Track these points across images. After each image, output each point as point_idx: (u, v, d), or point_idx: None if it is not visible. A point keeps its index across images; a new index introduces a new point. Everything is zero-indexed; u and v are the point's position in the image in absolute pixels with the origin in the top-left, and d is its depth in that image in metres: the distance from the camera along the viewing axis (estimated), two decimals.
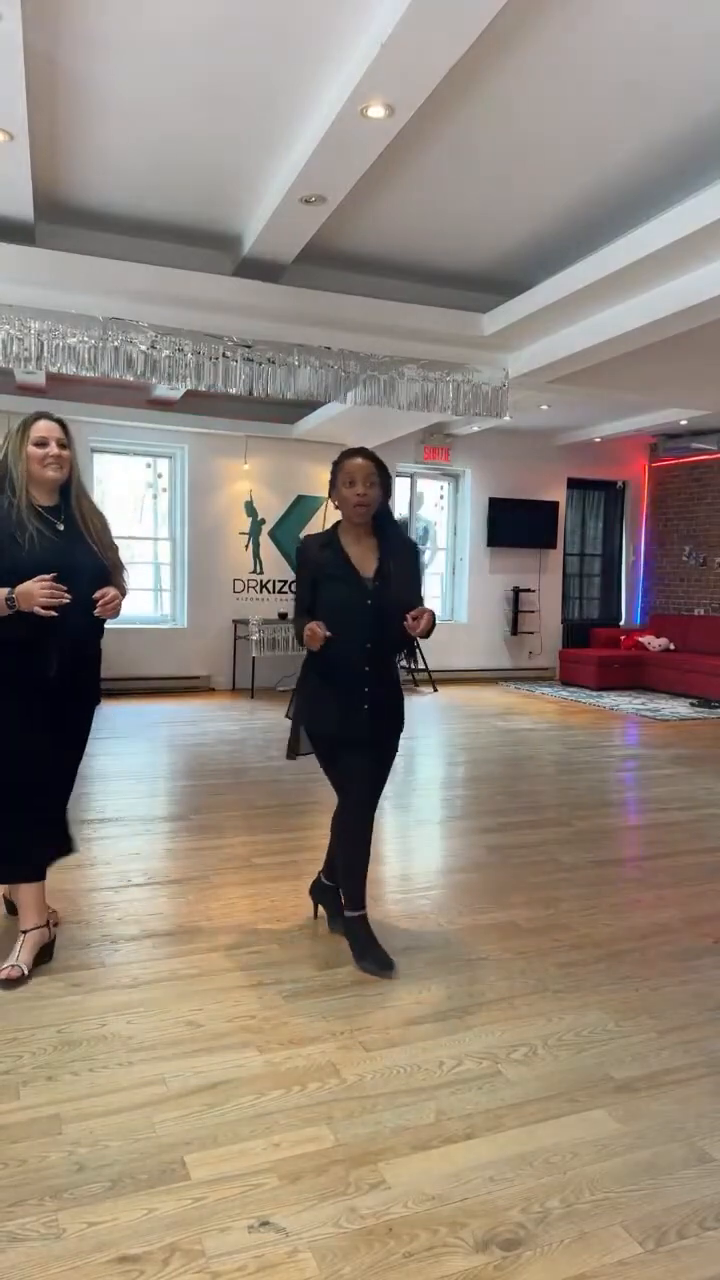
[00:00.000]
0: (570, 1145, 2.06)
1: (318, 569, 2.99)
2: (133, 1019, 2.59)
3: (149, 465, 9.77)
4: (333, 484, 3.00)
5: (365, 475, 2.92)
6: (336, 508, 3.02)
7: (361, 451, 2.98)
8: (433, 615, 2.89)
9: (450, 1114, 2.17)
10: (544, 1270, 1.69)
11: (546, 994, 2.80)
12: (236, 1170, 1.95)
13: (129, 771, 5.80)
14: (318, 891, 3.33)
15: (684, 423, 9.78)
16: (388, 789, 5.45)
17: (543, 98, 3.88)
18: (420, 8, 3.01)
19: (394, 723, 3.09)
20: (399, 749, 3.14)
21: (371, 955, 2.94)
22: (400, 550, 3.05)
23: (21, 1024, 2.55)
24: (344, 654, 2.92)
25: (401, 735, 3.12)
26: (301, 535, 3.17)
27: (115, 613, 2.85)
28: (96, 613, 2.80)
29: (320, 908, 3.32)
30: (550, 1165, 1.99)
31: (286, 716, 3.17)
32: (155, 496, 9.82)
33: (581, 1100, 2.24)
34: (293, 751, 3.15)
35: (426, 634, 2.89)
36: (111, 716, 7.96)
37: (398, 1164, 1.98)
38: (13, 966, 2.82)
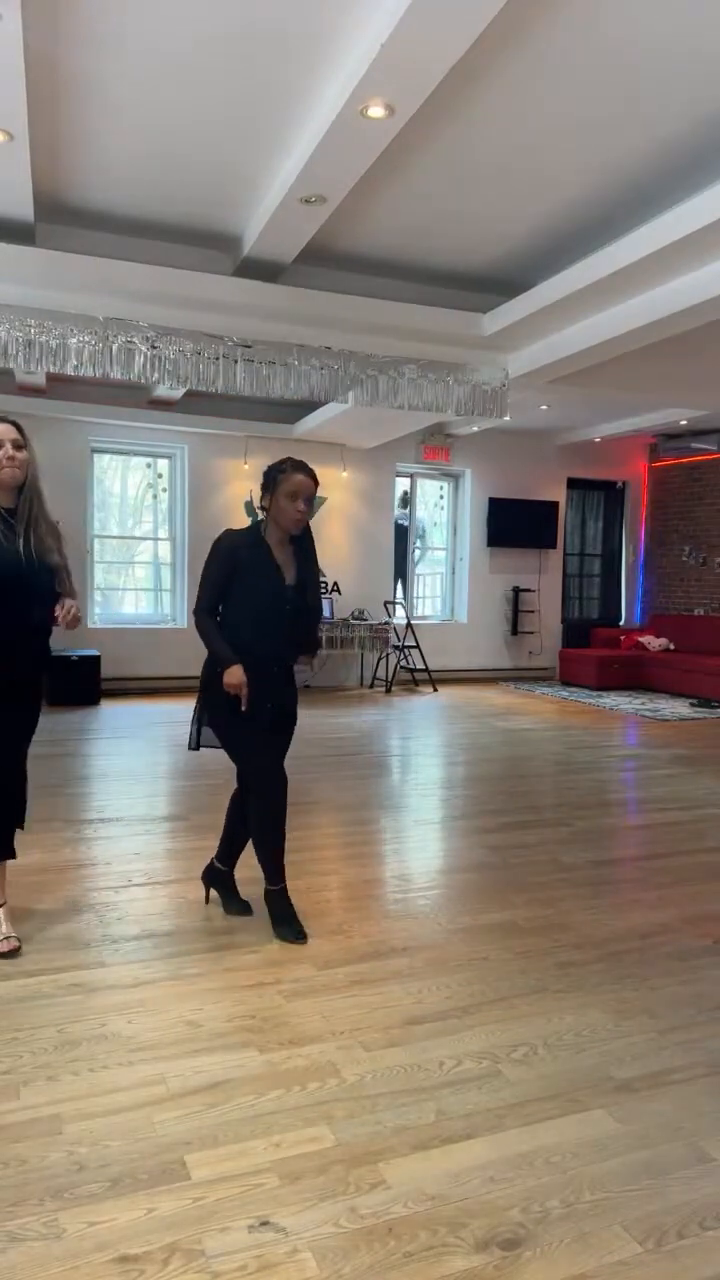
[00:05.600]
0: (570, 1145, 2.06)
1: (240, 566, 3.12)
2: (133, 1019, 2.59)
3: (149, 465, 9.77)
4: (271, 489, 3.14)
5: (309, 494, 3.14)
6: (262, 508, 3.18)
7: (306, 468, 3.17)
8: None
9: (450, 1114, 2.17)
10: (544, 1270, 1.69)
11: (546, 994, 2.80)
12: (236, 1170, 1.95)
13: (129, 771, 5.81)
14: (210, 876, 3.45)
15: (684, 423, 9.78)
16: (388, 789, 5.44)
17: (543, 97, 3.88)
18: (420, 8, 3.00)
19: (292, 718, 3.32)
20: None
21: (290, 925, 3.16)
22: (313, 559, 3.27)
23: (21, 1024, 2.55)
24: (261, 654, 3.12)
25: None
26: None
27: (77, 624, 2.94)
28: (61, 623, 2.89)
29: (211, 891, 3.45)
30: (550, 1165, 1.99)
31: (195, 715, 3.30)
32: (155, 496, 9.83)
33: (581, 1100, 2.24)
34: (195, 744, 3.34)
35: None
36: (111, 716, 7.96)
37: (398, 1164, 1.98)
38: (6, 939, 2.97)
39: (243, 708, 3.05)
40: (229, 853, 3.40)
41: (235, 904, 3.38)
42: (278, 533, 3.17)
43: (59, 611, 2.91)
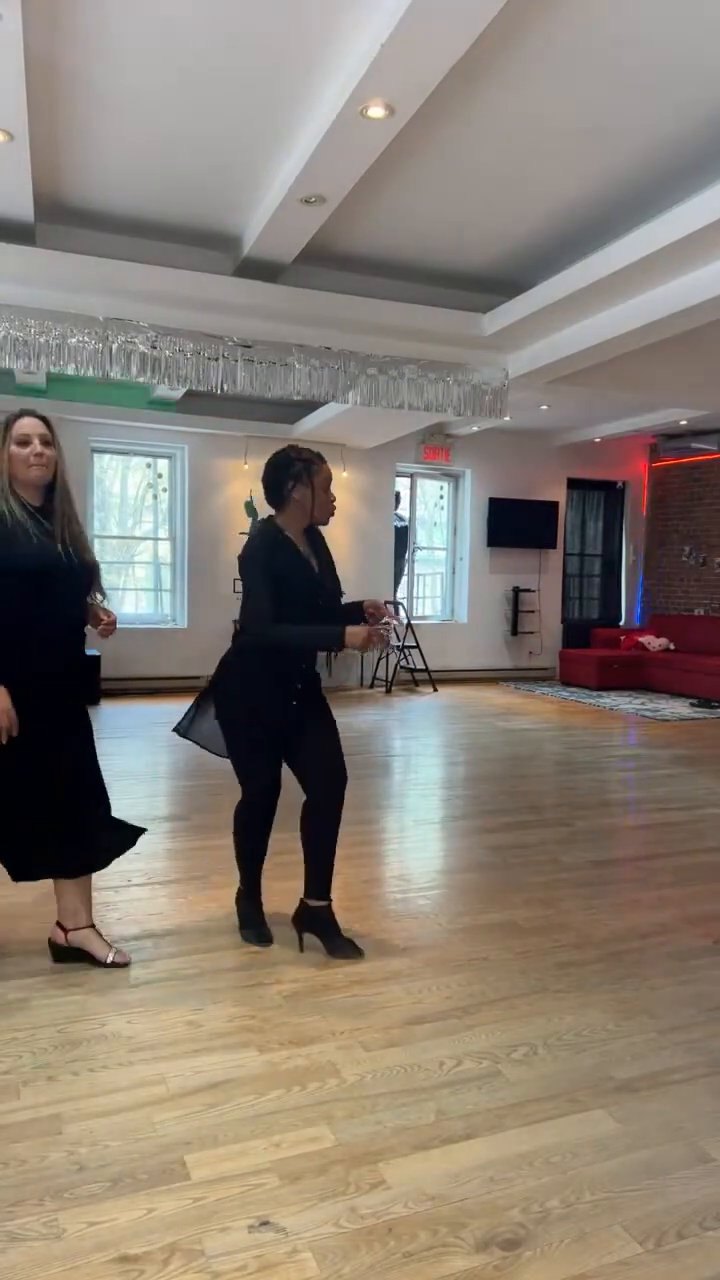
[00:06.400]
0: (570, 1145, 2.06)
1: (274, 569, 2.95)
2: (133, 1019, 2.59)
3: (149, 465, 9.78)
4: (304, 480, 3.00)
5: (333, 483, 3.08)
6: (276, 502, 3.04)
7: (325, 459, 3.11)
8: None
9: (450, 1114, 2.17)
10: (544, 1270, 1.69)
11: (546, 994, 2.80)
12: (236, 1170, 1.95)
13: (129, 771, 5.80)
14: (303, 919, 3.14)
15: (684, 423, 9.79)
16: (388, 789, 5.42)
17: (543, 97, 3.88)
18: (420, 7, 3.00)
19: (323, 706, 3.17)
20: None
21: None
22: (324, 545, 3.17)
23: (21, 1024, 2.55)
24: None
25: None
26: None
27: (110, 633, 2.91)
28: (99, 632, 2.86)
29: (305, 936, 3.12)
30: (550, 1165, 1.99)
31: (215, 714, 3.13)
32: (155, 496, 9.83)
33: (581, 1100, 2.24)
34: (183, 731, 3.23)
35: None
36: (111, 716, 7.96)
37: (398, 1164, 1.98)
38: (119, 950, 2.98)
39: (388, 643, 2.97)
40: (313, 885, 3.11)
41: (340, 945, 3.06)
42: (299, 525, 3.05)
43: (104, 617, 2.86)
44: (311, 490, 3.01)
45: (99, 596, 2.94)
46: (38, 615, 2.72)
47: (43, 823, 2.81)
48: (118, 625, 2.95)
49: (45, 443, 2.76)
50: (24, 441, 2.73)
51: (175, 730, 3.25)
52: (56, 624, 2.79)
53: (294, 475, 3.00)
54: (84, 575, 2.85)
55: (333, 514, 3.10)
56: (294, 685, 3.06)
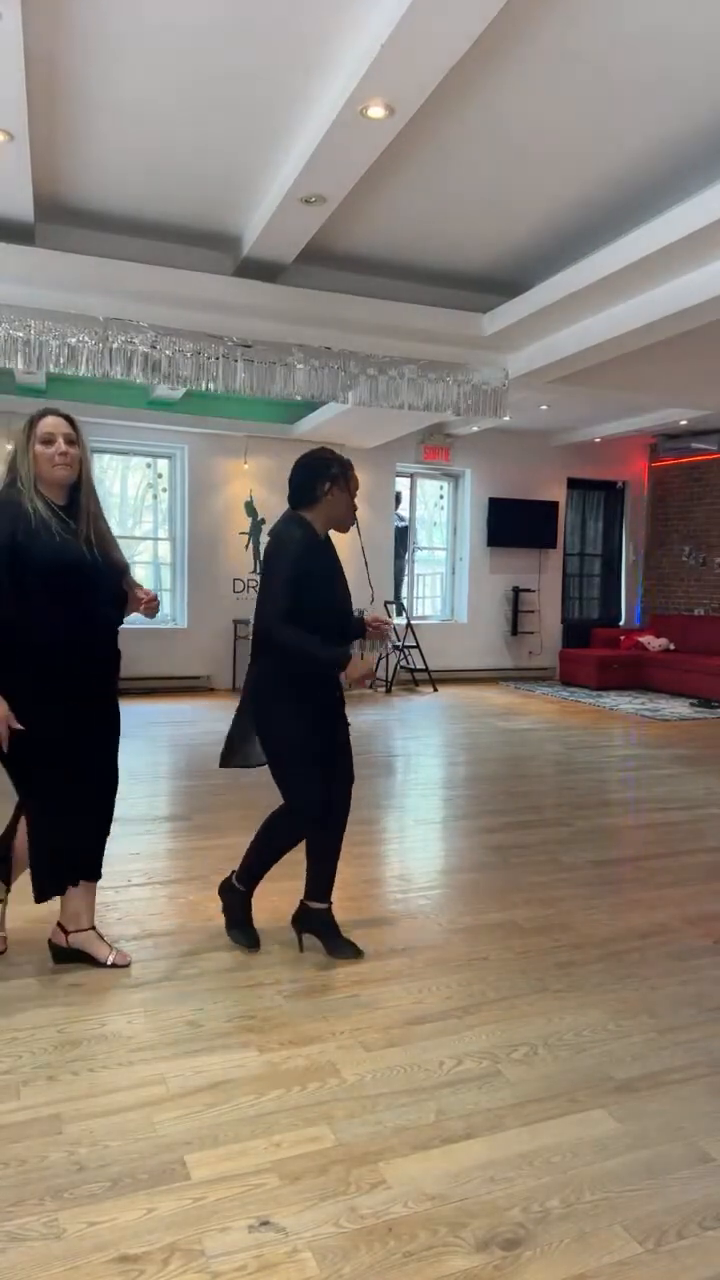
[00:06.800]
0: (570, 1145, 2.06)
1: (307, 568, 2.86)
2: (133, 1019, 2.59)
3: (149, 465, 9.78)
4: (340, 484, 2.94)
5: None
6: (305, 502, 2.95)
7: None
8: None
9: (450, 1114, 2.17)
10: (544, 1270, 1.69)
11: (546, 994, 2.80)
12: (236, 1170, 1.95)
13: (129, 771, 5.76)
14: (301, 920, 3.15)
15: (684, 423, 9.79)
16: (388, 789, 5.42)
17: (543, 97, 3.88)
18: (421, 7, 3.00)
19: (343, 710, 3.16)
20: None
21: (242, 930, 3.11)
22: (335, 551, 3.10)
23: (21, 1024, 2.55)
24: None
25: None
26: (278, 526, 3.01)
27: (156, 610, 2.93)
28: (141, 610, 2.88)
29: (305, 937, 3.13)
30: (550, 1165, 1.99)
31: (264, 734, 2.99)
32: (155, 496, 9.83)
33: (581, 1100, 2.24)
34: (233, 763, 3.11)
35: None
36: None
37: (398, 1164, 1.98)
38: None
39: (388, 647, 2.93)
40: (316, 887, 3.13)
41: (340, 946, 3.07)
42: (322, 527, 2.99)
43: (141, 595, 2.86)
44: (347, 495, 2.97)
45: (145, 589, 2.96)
46: (65, 614, 2.71)
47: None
48: (121, 625, 2.93)
49: (70, 441, 2.73)
50: (48, 440, 2.70)
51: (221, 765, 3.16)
52: (85, 623, 2.76)
53: (331, 477, 2.93)
54: (112, 573, 2.83)
55: (354, 522, 3.06)
56: (336, 695, 3.06)
